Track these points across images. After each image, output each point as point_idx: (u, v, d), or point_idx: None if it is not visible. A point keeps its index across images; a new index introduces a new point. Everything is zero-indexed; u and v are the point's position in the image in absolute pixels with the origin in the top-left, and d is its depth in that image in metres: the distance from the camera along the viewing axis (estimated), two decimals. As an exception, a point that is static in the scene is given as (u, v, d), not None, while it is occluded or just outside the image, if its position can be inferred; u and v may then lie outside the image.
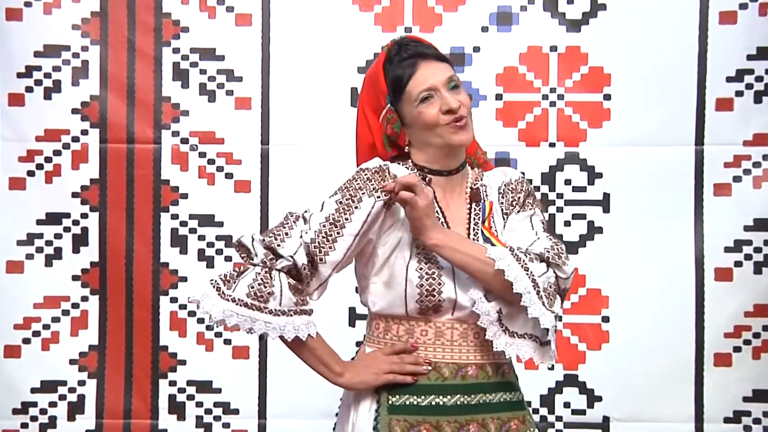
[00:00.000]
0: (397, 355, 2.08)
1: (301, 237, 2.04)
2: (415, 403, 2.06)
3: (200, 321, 3.48)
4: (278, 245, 2.03)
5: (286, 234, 2.05)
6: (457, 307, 2.08)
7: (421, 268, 2.07)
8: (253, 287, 2.01)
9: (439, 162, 2.16)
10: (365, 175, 2.08)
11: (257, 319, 2.00)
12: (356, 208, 2.05)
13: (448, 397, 2.07)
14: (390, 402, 2.07)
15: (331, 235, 2.04)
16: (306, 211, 2.09)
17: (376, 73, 2.17)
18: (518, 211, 2.20)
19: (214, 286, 2.02)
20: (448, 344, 2.09)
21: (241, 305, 2.00)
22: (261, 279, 2.01)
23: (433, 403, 2.06)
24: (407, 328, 2.10)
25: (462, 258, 2.05)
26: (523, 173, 2.29)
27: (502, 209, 2.20)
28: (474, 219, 2.16)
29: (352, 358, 2.22)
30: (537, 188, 3.42)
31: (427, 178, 2.12)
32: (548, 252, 2.08)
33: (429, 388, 2.07)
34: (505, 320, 2.05)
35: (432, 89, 2.10)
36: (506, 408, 2.11)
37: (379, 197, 2.06)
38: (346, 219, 2.05)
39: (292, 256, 2.02)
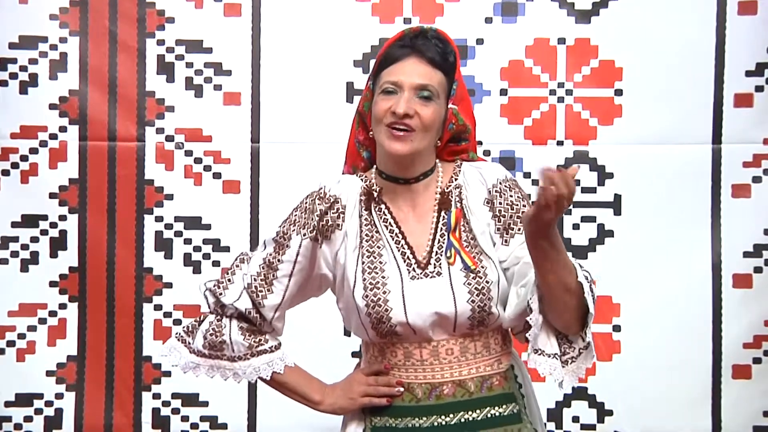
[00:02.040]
0: (373, 377, 2.09)
1: (243, 281, 2.12)
2: (393, 425, 2.07)
3: (186, 330, 3.42)
4: (221, 294, 2.12)
5: (229, 280, 2.13)
6: (415, 329, 2.01)
7: (366, 296, 2.03)
8: (206, 338, 2.12)
9: (390, 166, 2.08)
10: (304, 204, 2.12)
11: (220, 366, 2.13)
12: (287, 247, 2.10)
13: (424, 418, 2.04)
14: (373, 424, 2.09)
15: (267, 279, 2.11)
16: (258, 249, 2.16)
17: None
18: None
19: (179, 339, 2.16)
20: (419, 364, 2.04)
21: (201, 356, 2.13)
22: (213, 329, 2.12)
23: (409, 425, 2.05)
24: (380, 348, 2.09)
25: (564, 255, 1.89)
26: (504, 175, 2.12)
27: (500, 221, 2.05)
28: (441, 229, 2.05)
29: None
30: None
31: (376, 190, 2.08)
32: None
33: (404, 410, 2.06)
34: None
35: (397, 84, 2.02)
36: (495, 423, 2.03)
37: (305, 235, 2.08)
38: (279, 261, 2.11)
39: (234, 304, 2.11)
